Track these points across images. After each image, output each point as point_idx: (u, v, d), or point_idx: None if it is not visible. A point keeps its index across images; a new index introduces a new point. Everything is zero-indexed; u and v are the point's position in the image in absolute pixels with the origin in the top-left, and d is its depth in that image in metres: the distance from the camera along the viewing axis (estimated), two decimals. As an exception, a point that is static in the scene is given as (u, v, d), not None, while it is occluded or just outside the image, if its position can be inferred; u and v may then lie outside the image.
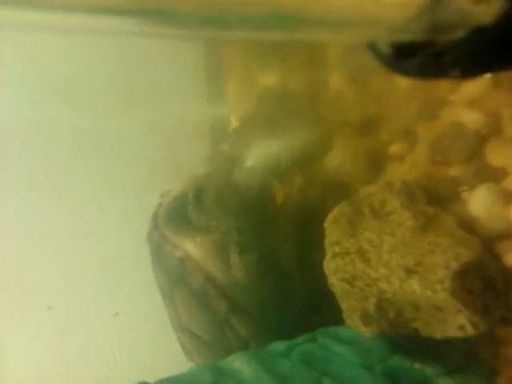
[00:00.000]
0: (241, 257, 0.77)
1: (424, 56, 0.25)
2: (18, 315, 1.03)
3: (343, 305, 0.61)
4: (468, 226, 0.57)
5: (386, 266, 0.58)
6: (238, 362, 0.63)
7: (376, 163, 0.74)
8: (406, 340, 0.60)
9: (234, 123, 1.08)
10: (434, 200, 0.62)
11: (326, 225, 0.67)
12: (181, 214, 0.88)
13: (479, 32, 0.23)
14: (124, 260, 1.04)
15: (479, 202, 0.57)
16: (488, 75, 0.56)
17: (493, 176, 0.57)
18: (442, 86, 0.62)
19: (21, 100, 1.00)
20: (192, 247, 0.83)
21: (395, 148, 0.71)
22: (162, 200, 0.93)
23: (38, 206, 1.03)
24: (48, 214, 1.04)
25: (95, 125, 1.03)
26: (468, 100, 0.60)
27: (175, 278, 0.85)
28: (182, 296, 0.84)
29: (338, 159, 0.82)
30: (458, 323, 0.52)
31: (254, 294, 0.78)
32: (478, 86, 0.58)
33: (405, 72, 0.27)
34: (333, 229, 0.66)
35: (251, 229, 0.82)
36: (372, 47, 0.28)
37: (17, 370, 1.04)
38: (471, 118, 0.59)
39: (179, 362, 0.89)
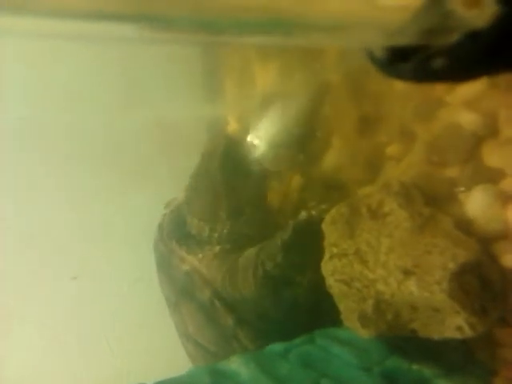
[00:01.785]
0: (255, 274, 0.75)
1: (418, 60, 0.25)
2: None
3: (341, 306, 0.62)
4: (465, 227, 0.57)
5: (383, 267, 0.58)
6: (237, 364, 0.63)
7: (373, 164, 0.74)
8: (403, 341, 0.60)
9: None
10: (431, 201, 0.62)
11: (323, 226, 0.67)
12: (182, 225, 0.88)
13: (473, 36, 0.23)
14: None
15: (476, 203, 0.57)
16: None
17: (490, 177, 0.57)
18: (439, 86, 0.62)
19: (23, 101, 1.00)
20: (197, 262, 0.83)
21: (392, 149, 0.71)
22: (166, 210, 0.93)
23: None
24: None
25: (94, 127, 1.03)
26: (465, 101, 0.60)
27: (182, 291, 0.85)
28: (188, 309, 0.84)
29: (336, 160, 0.82)
30: (455, 324, 0.52)
31: (261, 308, 0.77)
32: (475, 87, 0.58)
33: (399, 76, 0.27)
34: (331, 230, 0.66)
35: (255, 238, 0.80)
36: (367, 51, 0.28)
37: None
38: (468, 119, 0.59)
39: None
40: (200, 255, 0.83)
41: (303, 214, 0.75)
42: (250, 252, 0.78)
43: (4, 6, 0.19)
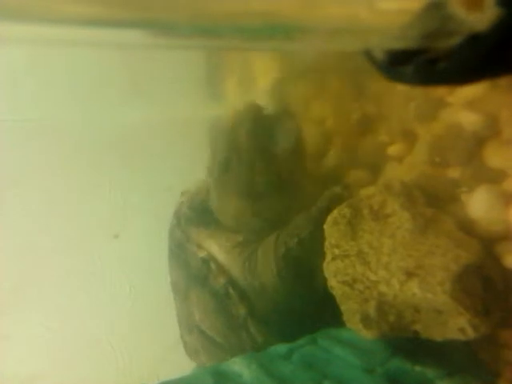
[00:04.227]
0: (276, 254, 0.74)
1: (419, 63, 0.25)
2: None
3: (343, 307, 0.61)
4: (467, 227, 0.57)
5: (385, 268, 0.58)
6: (239, 365, 0.63)
7: (375, 164, 0.74)
8: (406, 342, 0.60)
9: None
10: (433, 201, 0.62)
11: (325, 227, 0.67)
12: (202, 211, 0.87)
13: (474, 39, 0.23)
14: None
15: (478, 204, 0.57)
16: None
17: (492, 177, 0.57)
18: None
19: (26, 100, 1.00)
20: (216, 249, 0.82)
21: (394, 149, 0.71)
22: (183, 199, 0.93)
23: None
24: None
25: (98, 124, 1.04)
26: (466, 101, 0.59)
27: (194, 278, 0.84)
28: (198, 296, 0.83)
29: (337, 160, 0.82)
30: (458, 326, 0.52)
31: (279, 297, 0.76)
32: (477, 87, 0.58)
33: (400, 79, 0.27)
34: (332, 231, 0.66)
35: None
36: (367, 54, 0.28)
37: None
38: (469, 120, 0.59)
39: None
40: (221, 242, 0.82)
41: (338, 188, 0.74)
42: (272, 236, 0.77)
43: (13, 15, 0.19)
